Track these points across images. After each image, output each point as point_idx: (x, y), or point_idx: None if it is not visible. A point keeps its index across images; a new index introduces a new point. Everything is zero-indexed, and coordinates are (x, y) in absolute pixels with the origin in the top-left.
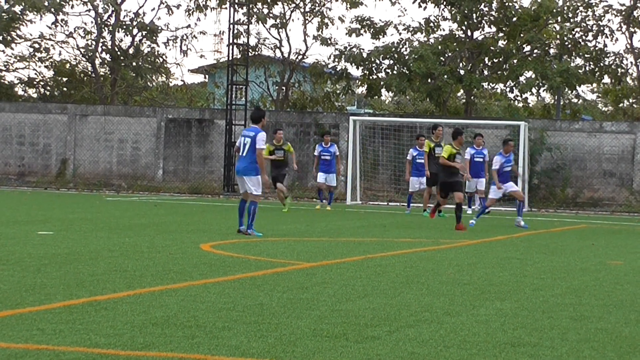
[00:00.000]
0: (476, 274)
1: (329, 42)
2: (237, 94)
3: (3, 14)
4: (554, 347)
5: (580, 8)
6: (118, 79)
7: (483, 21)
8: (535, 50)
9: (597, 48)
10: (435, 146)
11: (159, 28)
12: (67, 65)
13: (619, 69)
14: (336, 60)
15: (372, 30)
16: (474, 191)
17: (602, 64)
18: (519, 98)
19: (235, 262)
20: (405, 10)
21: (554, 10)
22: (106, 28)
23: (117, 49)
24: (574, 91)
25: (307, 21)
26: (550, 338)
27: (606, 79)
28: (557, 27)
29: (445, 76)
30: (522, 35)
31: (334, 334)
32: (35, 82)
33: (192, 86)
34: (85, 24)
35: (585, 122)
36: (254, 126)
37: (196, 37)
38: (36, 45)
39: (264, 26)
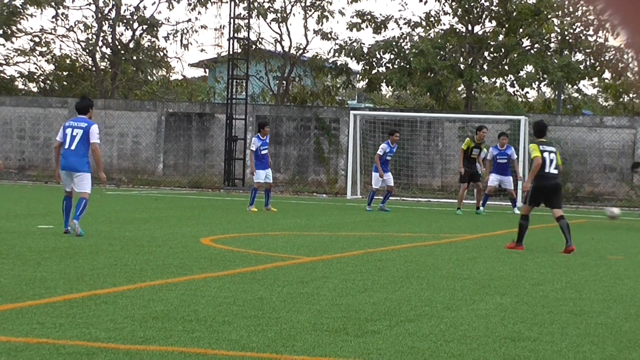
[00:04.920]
0: (476, 269)
1: (330, 36)
2: (238, 88)
3: (4, 8)
4: (554, 341)
5: (581, 2)
6: (118, 73)
7: (484, 16)
8: (536, 45)
9: (597, 43)
10: (474, 147)
11: (160, 22)
12: (68, 60)
13: (620, 64)
14: (336, 54)
15: (373, 24)
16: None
17: (602, 59)
18: (519, 92)
19: (235, 256)
20: (406, 4)
21: (555, 5)
22: (107, 22)
23: (117, 43)
24: (575, 86)
25: (307, 15)
26: (550, 332)
27: (607, 74)
28: (557, 22)
29: (446, 71)
30: (522, 29)
31: (334, 328)
32: (35, 76)
33: (193, 80)
34: (86, 18)
35: (586, 116)
36: (82, 117)
37: (197, 31)
38: (37, 39)
39: (265, 20)
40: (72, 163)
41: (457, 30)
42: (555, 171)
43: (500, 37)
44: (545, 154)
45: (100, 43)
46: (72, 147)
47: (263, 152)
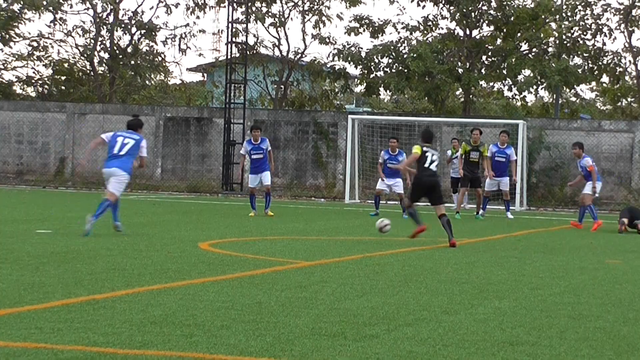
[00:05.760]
0: (474, 273)
1: (328, 40)
2: (236, 93)
3: (1, 13)
4: (553, 345)
5: (579, 7)
6: (116, 77)
7: (481, 20)
8: (534, 49)
9: (595, 47)
10: (471, 150)
11: (158, 27)
12: (66, 64)
13: (618, 68)
14: (334, 58)
15: (370, 29)
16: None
17: (600, 63)
18: (517, 97)
19: (233, 260)
20: (404, 8)
21: (553, 9)
22: (105, 27)
23: (115, 48)
24: (573, 90)
25: (305, 20)
26: (549, 337)
27: (605, 78)
28: (555, 26)
29: (444, 75)
30: (520, 34)
31: (333, 333)
32: (33, 81)
33: (191, 85)
34: (84, 22)
35: (584, 120)
36: (134, 131)
37: (195, 36)
38: (35, 44)
39: (263, 25)
40: (117, 164)
41: (455, 34)
42: (435, 169)
43: (498, 41)
44: (428, 153)
45: (98, 48)
46: (122, 152)
47: (253, 156)
